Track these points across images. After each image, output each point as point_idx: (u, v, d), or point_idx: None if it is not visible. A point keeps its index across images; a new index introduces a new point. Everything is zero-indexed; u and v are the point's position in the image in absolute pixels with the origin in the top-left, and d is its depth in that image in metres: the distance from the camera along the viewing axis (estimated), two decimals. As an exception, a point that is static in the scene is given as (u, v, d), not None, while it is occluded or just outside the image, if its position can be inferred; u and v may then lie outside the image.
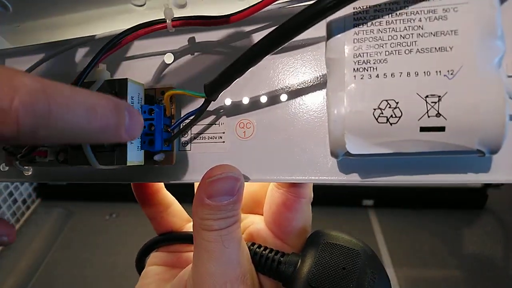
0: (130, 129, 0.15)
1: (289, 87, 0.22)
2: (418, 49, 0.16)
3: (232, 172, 0.20)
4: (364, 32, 0.17)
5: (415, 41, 0.16)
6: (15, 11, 0.27)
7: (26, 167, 0.27)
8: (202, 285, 0.19)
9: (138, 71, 0.25)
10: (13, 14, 0.27)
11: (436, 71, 0.16)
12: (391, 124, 0.16)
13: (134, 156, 0.21)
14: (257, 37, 0.23)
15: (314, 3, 0.16)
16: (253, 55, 0.18)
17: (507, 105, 0.15)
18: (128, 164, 0.21)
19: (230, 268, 0.20)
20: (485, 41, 0.15)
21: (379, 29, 0.17)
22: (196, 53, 0.24)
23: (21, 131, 0.11)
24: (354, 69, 0.17)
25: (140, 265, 0.28)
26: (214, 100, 0.21)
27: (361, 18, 0.17)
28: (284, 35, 0.17)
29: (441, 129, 0.16)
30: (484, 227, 0.97)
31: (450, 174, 0.18)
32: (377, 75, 0.16)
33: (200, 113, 0.22)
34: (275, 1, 0.19)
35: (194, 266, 0.21)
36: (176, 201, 0.27)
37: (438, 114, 0.16)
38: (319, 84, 0.21)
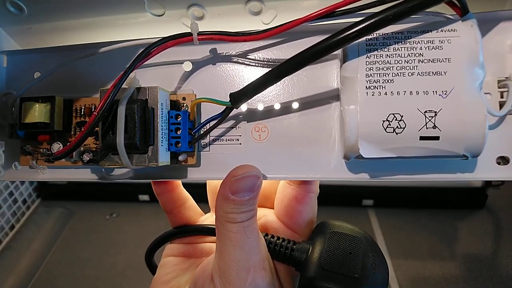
0: None
1: (300, 97, 0.25)
2: (419, 72, 0.20)
3: (254, 171, 0.22)
4: (375, 56, 0.20)
5: (416, 66, 0.20)
6: (29, 13, 0.28)
7: (42, 167, 0.28)
8: (229, 271, 0.22)
9: (157, 77, 0.27)
10: (27, 16, 0.28)
11: (433, 91, 0.19)
12: (396, 133, 0.20)
13: (163, 156, 0.23)
14: (274, 51, 0.25)
15: (336, 33, 0.19)
16: (279, 73, 0.21)
17: (487, 120, 0.19)
18: (159, 164, 0.23)
19: (253, 255, 0.23)
20: (470, 68, 0.19)
21: (387, 54, 0.20)
22: (215, 63, 0.26)
23: None
24: (366, 87, 0.20)
25: (151, 254, 0.30)
26: (237, 108, 0.24)
27: (372, 44, 0.20)
28: (307, 59, 0.20)
29: (436, 138, 0.19)
30: (483, 227, 0.96)
31: (442, 174, 0.22)
32: (386, 92, 0.20)
33: (222, 119, 0.24)
34: (296, 26, 0.22)
35: (218, 254, 0.23)
36: (191, 197, 0.29)
37: (435, 126, 0.19)
38: (327, 97, 0.25)
